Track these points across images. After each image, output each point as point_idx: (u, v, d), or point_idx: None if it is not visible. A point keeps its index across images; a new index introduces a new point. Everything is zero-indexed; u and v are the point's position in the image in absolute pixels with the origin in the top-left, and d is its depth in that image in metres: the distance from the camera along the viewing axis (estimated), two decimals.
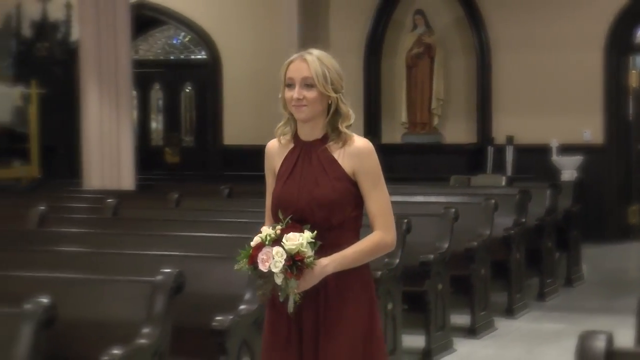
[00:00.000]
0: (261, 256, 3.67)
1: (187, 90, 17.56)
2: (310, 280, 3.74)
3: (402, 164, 15.31)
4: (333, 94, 3.91)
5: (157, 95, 17.88)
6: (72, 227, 8.05)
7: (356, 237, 3.92)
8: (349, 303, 3.88)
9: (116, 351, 4.80)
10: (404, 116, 15.75)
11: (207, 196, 10.92)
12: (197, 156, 17.15)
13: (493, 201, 9.43)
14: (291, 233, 3.69)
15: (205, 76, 17.02)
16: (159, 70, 17.49)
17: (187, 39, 17.50)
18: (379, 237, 3.90)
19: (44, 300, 4.47)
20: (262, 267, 3.66)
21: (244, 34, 16.36)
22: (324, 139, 3.96)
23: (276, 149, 4.08)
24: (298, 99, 3.89)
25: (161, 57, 17.79)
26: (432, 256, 8.03)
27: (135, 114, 15.44)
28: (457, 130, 15.55)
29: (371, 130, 15.88)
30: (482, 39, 15.23)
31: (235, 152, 16.13)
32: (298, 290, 3.71)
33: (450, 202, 9.52)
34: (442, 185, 12.67)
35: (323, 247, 3.76)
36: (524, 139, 14.79)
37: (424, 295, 7.95)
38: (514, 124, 14.95)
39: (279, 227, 3.74)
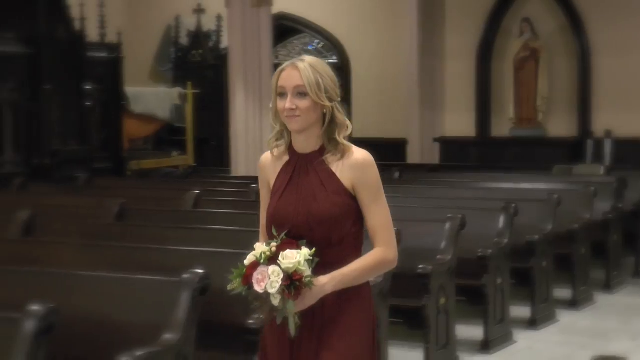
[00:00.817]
0: (256, 276, 3.04)
1: None
2: (308, 300, 3.10)
3: (509, 155, 15.16)
4: (327, 103, 3.24)
5: None
6: (222, 208, 8.14)
7: (357, 254, 3.27)
8: (346, 320, 3.25)
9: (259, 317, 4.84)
10: (511, 112, 15.56)
11: None
12: None
13: (593, 188, 9.26)
14: (288, 250, 3.05)
15: (337, 77, 17.03)
16: None
17: (320, 45, 17.56)
18: (380, 253, 3.27)
19: (199, 271, 4.53)
20: (258, 288, 3.02)
21: (370, 40, 16.35)
22: (321, 151, 3.29)
23: (269, 162, 3.39)
24: (290, 109, 3.21)
25: None
26: (537, 237, 7.91)
27: None
28: (560, 125, 15.26)
29: (482, 125, 15.78)
30: (583, 43, 14.93)
31: (362, 144, 16.00)
32: (295, 310, 3.08)
33: (554, 189, 9.35)
34: (546, 174, 12.43)
35: (322, 264, 3.12)
36: (621, 132, 14.43)
37: (530, 271, 7.84)
38: (611, 119, 14.60)
39: (273, 243, 3.10)
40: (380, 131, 15.95)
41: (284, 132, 3.32)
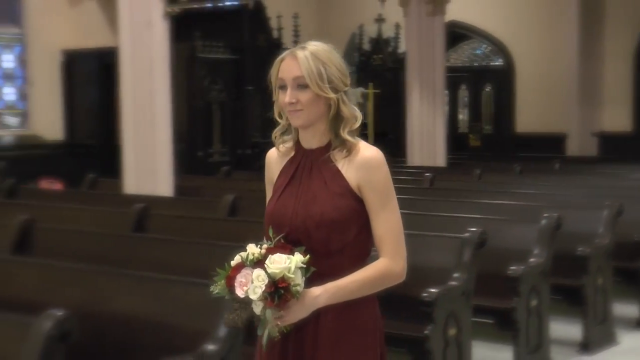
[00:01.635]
0: (239, 279, 2.41)
1: (487, 90, 17.33)
2: (298, 312, 2.43)
3: None
4: (331, 95, 2.55)
5: (463, 94, 17.78)
6: (399, 194, 8.05)
7: (361, 264, 2.57)
8: (344, 343, 2.55)
9: (433, 290, 4.82)
10: None
11: (503, 172, 10.73)
12: (494, 141, 16.91)
13: None
14: (277, 254, 2.41)
15: (502, 78, 16.76)
16: (465, 74, 17.36)
17: (487, 50, 17.26)
18: (384, 265, 2.56)
19: None
20: (239, 292, 2.40)
21: (533, 44, 15.97)
22: (328, 147, 2.60)
23: (275, 159, 2.70)
24: (291, 103, 2.54)
25: (467, 64, 17.65)
26: None
27: (446, 108, 15.42)
28: None
29: (639, 122, 15.20)
30: None
31: (524, 138, 15.81)
32: (283, 323, 2.43)
33: None
34: None
35: (319, 274, 2.46)
36: None
37: None
38: None
39: (265, 245, 2.47)
40: (542, 126, 15.57)
41: (291, 127, 2.64)
